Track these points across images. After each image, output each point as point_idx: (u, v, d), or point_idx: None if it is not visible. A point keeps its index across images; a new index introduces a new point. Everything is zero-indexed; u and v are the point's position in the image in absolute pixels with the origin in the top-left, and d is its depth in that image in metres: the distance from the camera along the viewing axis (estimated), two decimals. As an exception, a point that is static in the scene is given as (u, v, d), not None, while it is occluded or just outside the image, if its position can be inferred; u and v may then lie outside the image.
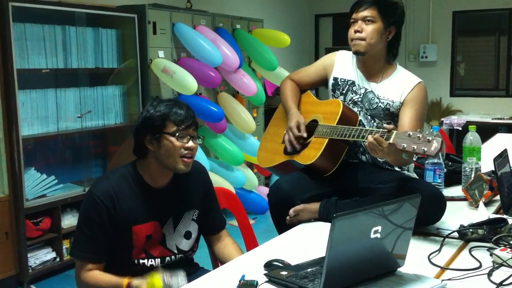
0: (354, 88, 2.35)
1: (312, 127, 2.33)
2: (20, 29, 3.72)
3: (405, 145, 1.84)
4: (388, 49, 2.33)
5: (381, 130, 1.96)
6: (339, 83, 2.40)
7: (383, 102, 2.29)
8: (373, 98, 2.31)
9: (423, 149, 1.80)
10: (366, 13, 2.25)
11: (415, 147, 1.81)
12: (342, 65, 2.42)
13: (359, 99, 2.33)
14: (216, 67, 4.78)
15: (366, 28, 2.25)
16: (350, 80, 2.37)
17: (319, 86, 2.56)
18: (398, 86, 2.29)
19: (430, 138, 1.79)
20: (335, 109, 2.28)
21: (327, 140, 2.20)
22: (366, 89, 2.33)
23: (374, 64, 2.32)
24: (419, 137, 1.82)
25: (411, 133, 1.84)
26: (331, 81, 2.43)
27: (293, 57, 7.66)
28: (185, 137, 1.94)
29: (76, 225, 2.01)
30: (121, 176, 1.98)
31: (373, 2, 2.26)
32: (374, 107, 2.30)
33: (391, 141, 1.89)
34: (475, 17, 7.88)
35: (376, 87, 2.31)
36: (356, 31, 2.26)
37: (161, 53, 4.60)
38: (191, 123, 1.96)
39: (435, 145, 1.79)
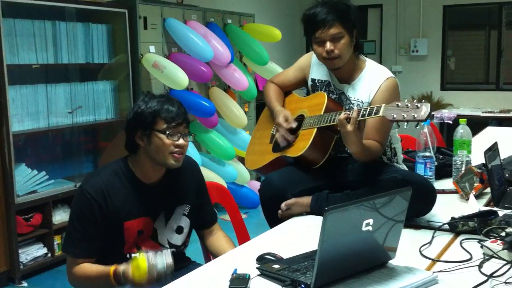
0: (330, 89, 2.36)
1: (299, 122, 2.34)
2: (10, 24, 3.70)
3: (395, 115, 1.86)
4: (354, 48, 2.29)
5: (370, 106, 1.97)
6: (317, 84, 2.41)
7: (353, 103, 2.29)
8: (345, 100, 2.32)
9: (413, 115, 1.81)
10: (333, 31, 2.18)
11: (405, 115, 1.83)
12: (317, 66, 2.42)
13: (336, 99, 2.34)
14: (208, 62, 4.76)
15: (337, 46, 2.20)
16: (326, 81, 2.38)
17: (300, 87, 2.55)
18: (366, 85, 2.28)
19: (419, 105, 1.81)
20: (320, 101, 2.29)
21: (315, 129, 2.21)
22: (339, 91, 2.34)
23: (344, 68, 2.30)
24: (407, 105, 1.83)
25: (399, 104, 1.86)
26: (309, 82, 2.45)
27: (285, 52, 7.66)
28: (175, 134, 1.94)
29: (68, 222, 2.01)
30: (113, 172, 1.98)
31: (335, 18, 2.18)
32: (347, 108, 2.30)
33: (380, 114, 1.90)
34: (465, 11, 7.91)
35: (348, 89, 2.32)
36: (328, 51, 2.20)
37: (152, 48, 4.58)
38: (182, 120, 1.95)
39: (424, 109, 1.80)
